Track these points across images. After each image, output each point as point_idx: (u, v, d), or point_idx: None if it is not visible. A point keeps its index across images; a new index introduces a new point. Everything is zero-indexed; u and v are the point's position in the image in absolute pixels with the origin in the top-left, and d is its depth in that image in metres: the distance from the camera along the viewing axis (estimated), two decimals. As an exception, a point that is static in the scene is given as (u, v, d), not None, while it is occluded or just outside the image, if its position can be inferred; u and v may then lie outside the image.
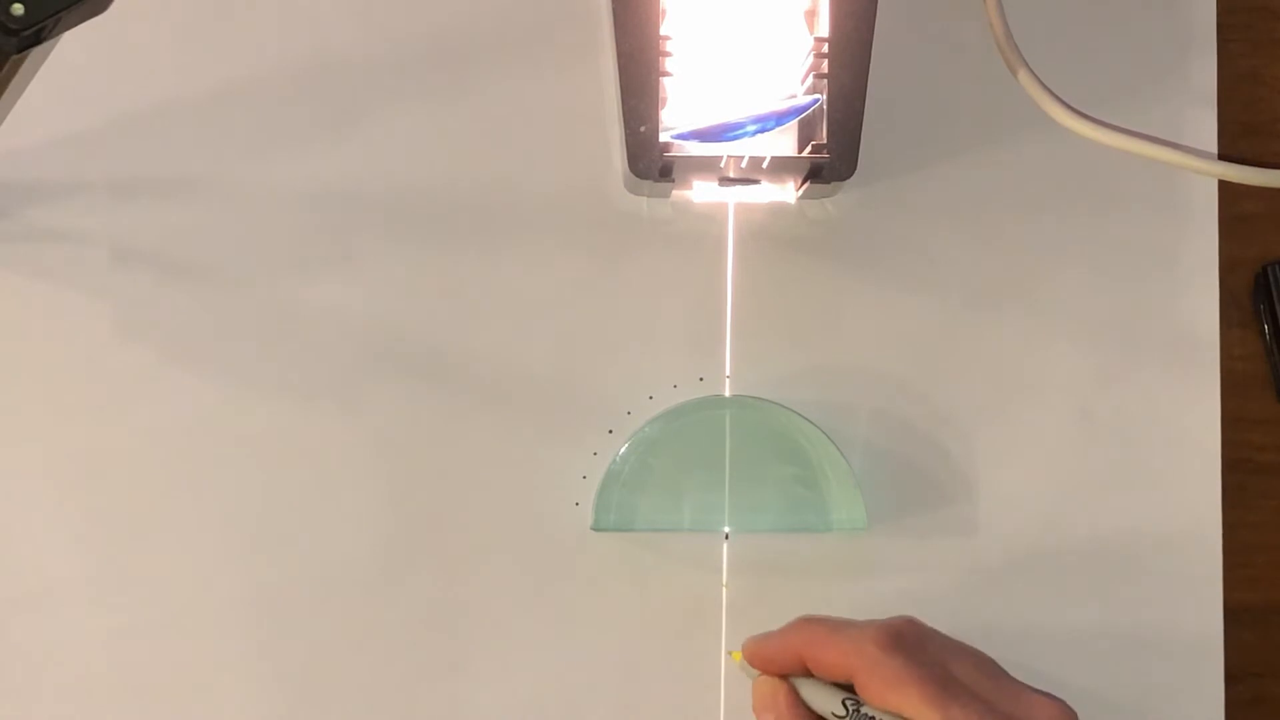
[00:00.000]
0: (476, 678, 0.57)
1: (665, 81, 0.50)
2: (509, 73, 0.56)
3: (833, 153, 0.50)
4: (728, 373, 0.57)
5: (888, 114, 0.53)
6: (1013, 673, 0.57)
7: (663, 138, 0.50)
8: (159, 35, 0.57)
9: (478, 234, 0.56)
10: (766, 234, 0.57)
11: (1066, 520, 0.57)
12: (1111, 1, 0.58)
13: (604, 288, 0.57)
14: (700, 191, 0.56)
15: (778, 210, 0.57)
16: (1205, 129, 0.58)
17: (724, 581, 0.57)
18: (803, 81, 0.52)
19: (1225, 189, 0.58)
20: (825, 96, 0.50)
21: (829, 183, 0.51)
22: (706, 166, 0.51)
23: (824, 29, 0.50)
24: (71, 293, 0.56)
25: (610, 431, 0.57)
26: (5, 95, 0.46)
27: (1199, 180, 0.58)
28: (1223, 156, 0.58)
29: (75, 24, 0.43)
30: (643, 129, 0.50)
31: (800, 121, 0.52)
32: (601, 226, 0.57)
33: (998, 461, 0.57)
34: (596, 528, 0.56)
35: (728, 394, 0.57)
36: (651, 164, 0.50)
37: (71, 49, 0.49)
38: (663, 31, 0.50)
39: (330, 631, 0.57)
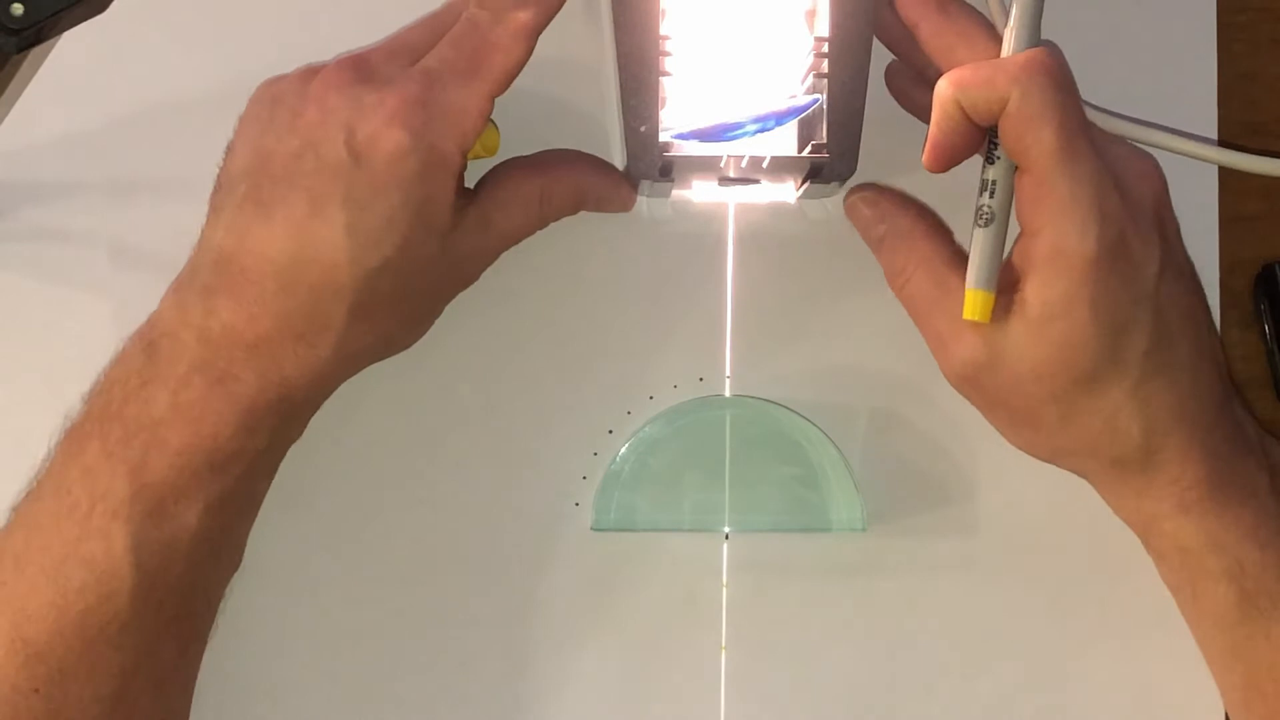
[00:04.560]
0: (475, 677, 0.57)
1: (665, 81, 0.50)
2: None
3: (833, 152, 0.50)
4: (728, 373, 0.57)
5: (888, 114, 0.53)
6: (1016, 671, 0.57)
7: (663, 137, 0.50)
8: (159, 35, 0.57)
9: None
10: (767, 234, 0.57)
11: (1066, 520, 0.57)
12: (1111, 2, 0.58)
13: (604, 287, 0.57)
14: (700, 191, 0.55)
15: (778, 210, 0.57)
16: (1205, 129, 0.58)
17: (724, 582, 0.57)
18: (803, 81, 0.52)
19: (1225, 189, 0.59)
20: (825, 96, 0.50)
21: (829, 182, 0.51)
22: (706, 166, 0.51)
23: (824, 28, 0.50)
24: (71, 293, 0.56)
25: (610, 431, 0.57)
26: (5, 95, 0.46)
27: (1199, 180, 0.58)
28: (1222, 164, 0.58)
29: (75, 24, 0.43)
30: (643, 129, 0.50)
31: (800, 121, 0.52)
32: (601, 226, 0.57)
33: (998, 461, 0.57)
34: (596, 528, 0.56)
35: (728, 394, 0.57)
36: (651, 164, 0.50)
37: (71, 49, 0.49)
38: (663, 31, 0.50)
39: (328, 630, 0.57)
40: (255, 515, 0.52)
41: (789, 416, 0.56)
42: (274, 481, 0.55)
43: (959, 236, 0.53)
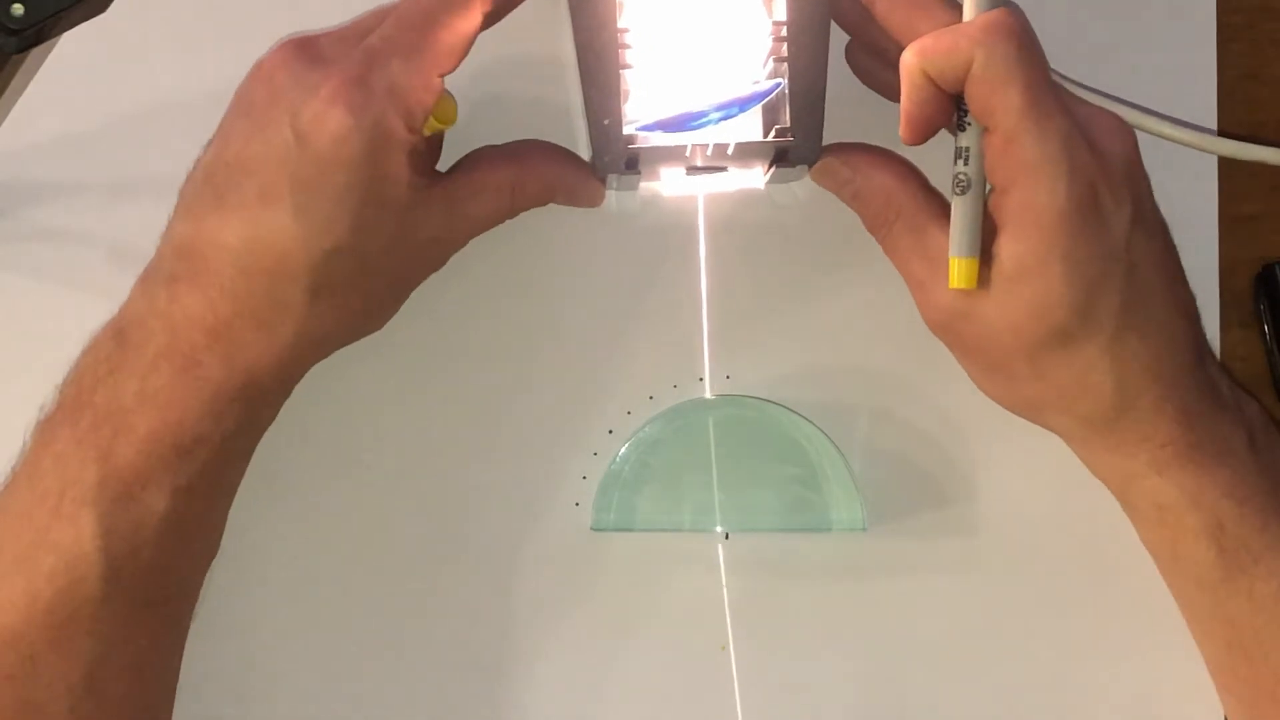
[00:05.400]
0: (474, 678, 0.57)
1: (626, 74, 0.50)
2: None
3: (797, 135, 0.50)
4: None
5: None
6: (1016, 671, 0.57)
7: (627, 130, 0.50)
8: (159, 35, 0.57)
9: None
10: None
11: (1066, 520, 0.57)
12: (1111, 3, 0.58)
13: (603, 288, 0.57)
14: (669, 183, 0.55)
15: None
16: (1205, 129, 0.58)
17: (724, 582, 0.57)
18: (764, 66, 0.52)
19: (1225, 190, 0.58)
20: (787, 80, 0.50)
21: (795, 165, 0.51)
22: (672, 156, 0.51)
23: (781, 12, 0.50)
24: (71, 293, 0.56)
25: (610, 431, 0.57)
26: (5, 95, 0.46)
27: (1199, 181, 0.58)
28: (1223, 154, 0.58)
29: (75, 24, 0.43)
30: (606, 122, 0.50)
31: (764, 106, 0.52)
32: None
33: (998, 461, 0.57)
34: (596, 528, 0.56)
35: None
36: (617, 157, 0.50)
37: (71, 49, 0.49)
38: (620, 24, 0.49)
39: (327, 631, 0.57)
40: (229, 502, 0.52)
41: (788, 416, 0.56)
42: (274, 484, 0.55)
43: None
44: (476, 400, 0.57)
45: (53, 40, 0.44)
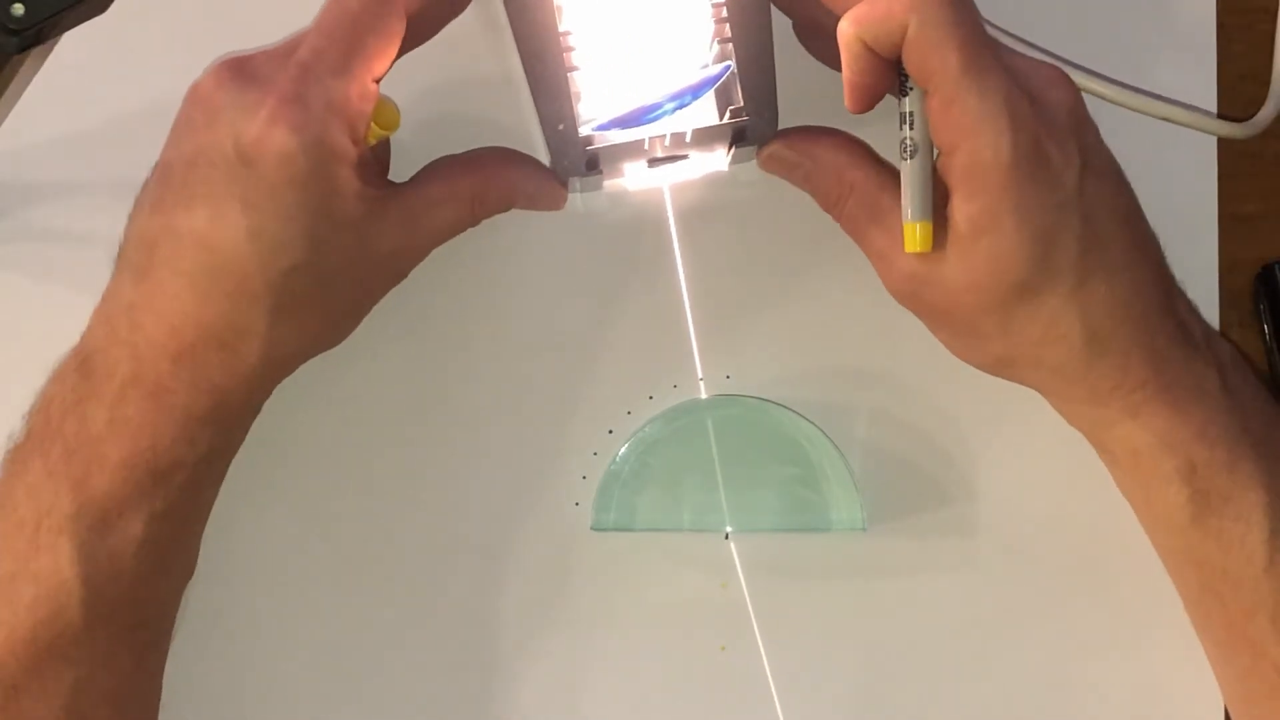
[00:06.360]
0: (474, 678, 0.57)
1: (574, 76, 0.49)
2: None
3: (752, 114, 0.50)
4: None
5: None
6: (1016, 671, 0.57)
7: (583, 131, 0.50)
8: (159, 35, 0.57)
9: (474, 234, 0.56)
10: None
11: (1066, 520, 0.57)
12: (1111, 2, 0.58)
13: (595, 288, 0.57)
14: (634, 179, 0.55)
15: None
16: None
17: (726, 581, 0.57)
18: (710, 49, 0.51)
19: (1225, 190, 0.59)
20: (734, 61, 0.50)
21: (755, 144, 0.51)
22: (632, 152, 0.51)
23: None
24: (71, 293, 0.56)
25: (610, 431, 0.57)
26: (5, 95, 0.46)
27: (1199, 181, 0.58)
28: (1222, 153, 0.58)
29: (75, 24, 0.44)
30: (561, 127, 0.49)
31: (718, 89, 0.51)
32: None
33: (998, 461, 0.57)
34: (596, 528, 0.56)
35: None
36: (577, 159, 0.50)
37: (71, 49, 0.49)
38: (562, 28, 0.49)
39: (327, 631, 0.57)
40: (204, 523, 0.52)
41: (788, 416, 0.56)
42: (275, 486, 0.55)
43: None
44: (476, 401, 0.57)
45: (53, 40, 0.44)
